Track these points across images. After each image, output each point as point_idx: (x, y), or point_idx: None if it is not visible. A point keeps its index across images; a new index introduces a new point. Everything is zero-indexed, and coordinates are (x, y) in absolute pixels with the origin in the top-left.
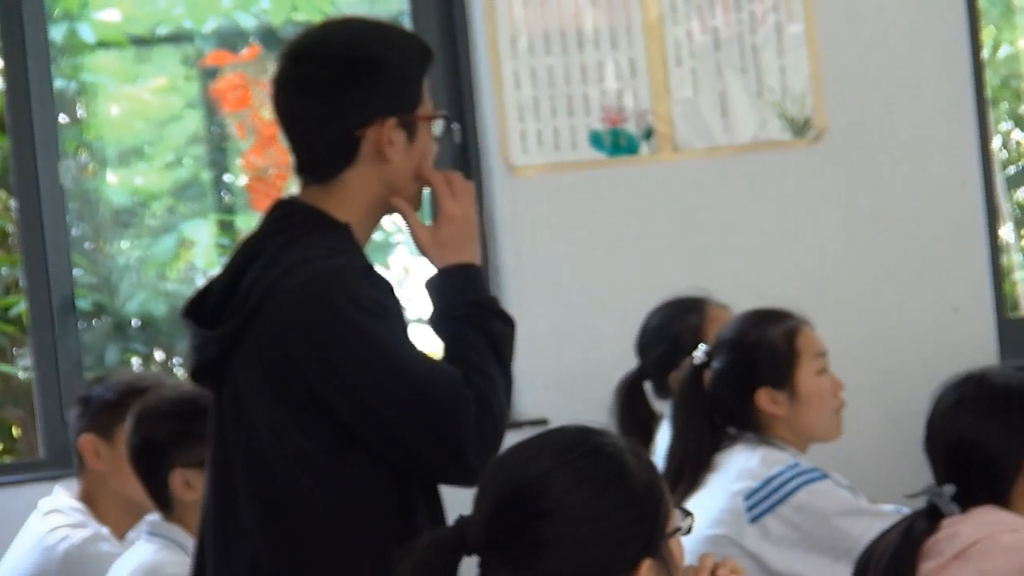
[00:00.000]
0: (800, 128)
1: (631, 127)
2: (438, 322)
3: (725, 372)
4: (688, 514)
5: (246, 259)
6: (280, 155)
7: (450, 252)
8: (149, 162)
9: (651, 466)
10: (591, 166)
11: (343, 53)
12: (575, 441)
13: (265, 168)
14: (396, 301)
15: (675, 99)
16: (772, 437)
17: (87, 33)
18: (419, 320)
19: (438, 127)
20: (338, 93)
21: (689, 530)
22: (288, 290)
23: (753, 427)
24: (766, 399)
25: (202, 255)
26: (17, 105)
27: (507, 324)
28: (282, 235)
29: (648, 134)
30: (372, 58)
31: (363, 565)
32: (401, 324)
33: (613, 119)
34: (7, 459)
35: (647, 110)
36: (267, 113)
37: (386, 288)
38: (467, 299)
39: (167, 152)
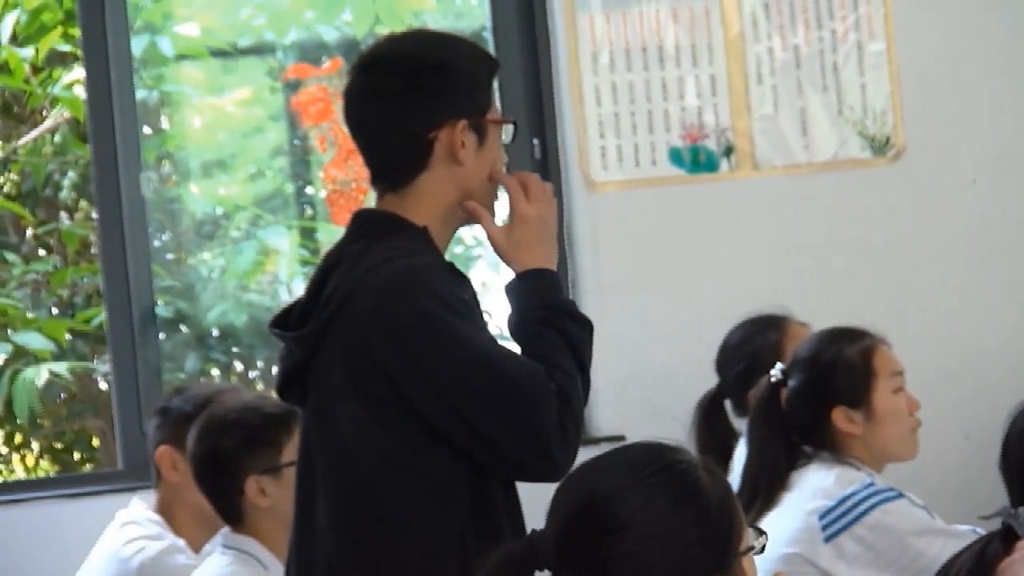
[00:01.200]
0: (880, 146)
1: (711, 144)
2: (516, 324)
3: (801, 390)
4: (761, 533)
5: (328, 269)
6: (361, 168)
7: (526, 253)
8: (232, 173)
9: (724, 483)
10: (671, 182)
11: (411, 60)
12: (648, 457)
13: (346, 181)
14: (476, 299)
15: (755, 116)
16: (848, 456)
17: (167, 46)
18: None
19: (508, 132)
20: (408, 97)
21: (763, 549)
22: (371, 287)
23: (829, 446)
24: (842, 418)
25: (285, 266)
26: (99, 116)
27: (585, 327)
28: (362, 241)
29: (728, 151)
30: (440, 62)
31: (442, 566)
32: (483, 320)
33: (693, 136)
34: (87, 469)
35: (727, 127)
36: None
37: (467, 286)
38: (544, 301)
39: (250, 164)
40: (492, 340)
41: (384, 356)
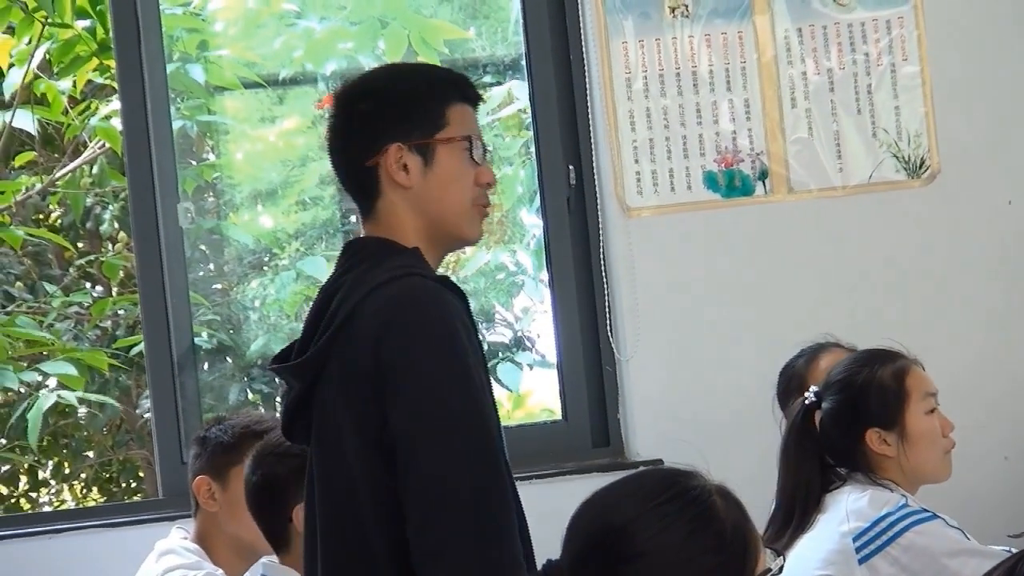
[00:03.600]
0: (915, 169)
1: (746, 168)
2: None
3: (835, 412)
4: (779, 555)
5: (327, 298)
6: None
7: None
8: (277, 204)
9: (739, 508)
10: (706, 207)
11: (349, 94)
12: (662, 485)
13: None
14: (473, 320)
15: (790, 140)
16: (882, 477)
17: (200, 74)
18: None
19: (477, 149)
20: (346, 129)
21: (780, 571)
22: (380, 299)
23: (863, 468)
24: (876, 440)
25: None
26: (136, 146)
27: None
28: (361, 266)
29: (763, 175)
30: (370, 91)
31: None
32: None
33: (728, 160)
34: (134, 499)
35: (762, 151)
36: None
37: (465, 303)
38: None
39: (295, 194)
40: (490, 416)
41: (384, 375)
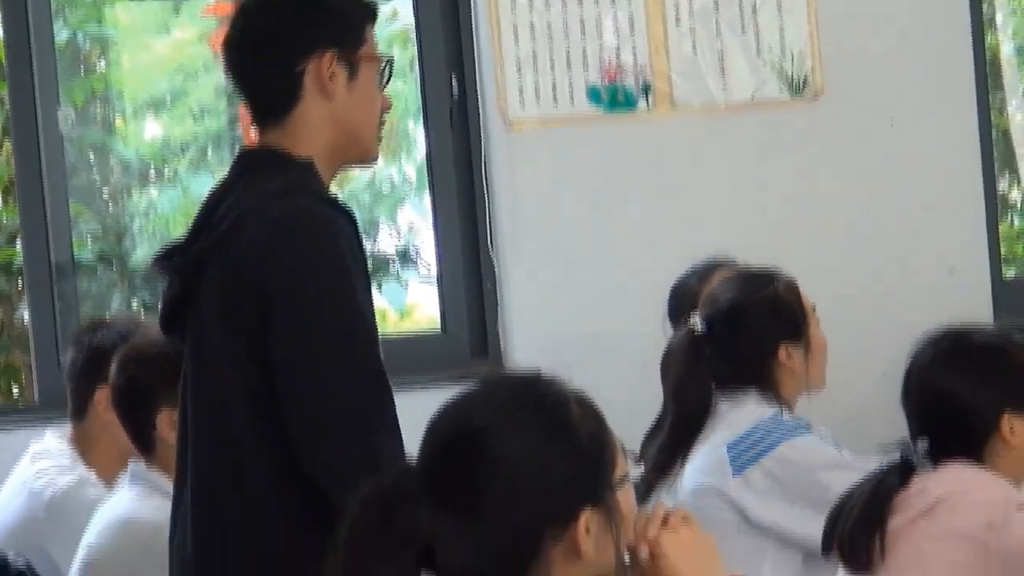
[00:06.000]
0: (798, 87)
1: (629, 83)
2: None
3: (741, 332)
4: (638, 461)
5: (212, 203)
6: None
7: None
8: (167, 114)
9: (596, 414)
10: (588, 121)
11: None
12: (518, 390)
13: None
14: (361, 241)
15: (674, 57)
16: (778, 390)
17: None
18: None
19: (383, 74)
20: (277, 32)
21: (641, 478)
22: (266, 218)
23: (760, 384)
24: (784, 354)
25: None
26: (16, 52)
27: None
28: (248, 175)
29: (646, 90)
30: None
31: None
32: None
33: (611, 74)
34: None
35: (645, 65)
36: None
37: (354, 224)
38: None
39: (185, 105)
40: (373, 337)
41: (268, 282)
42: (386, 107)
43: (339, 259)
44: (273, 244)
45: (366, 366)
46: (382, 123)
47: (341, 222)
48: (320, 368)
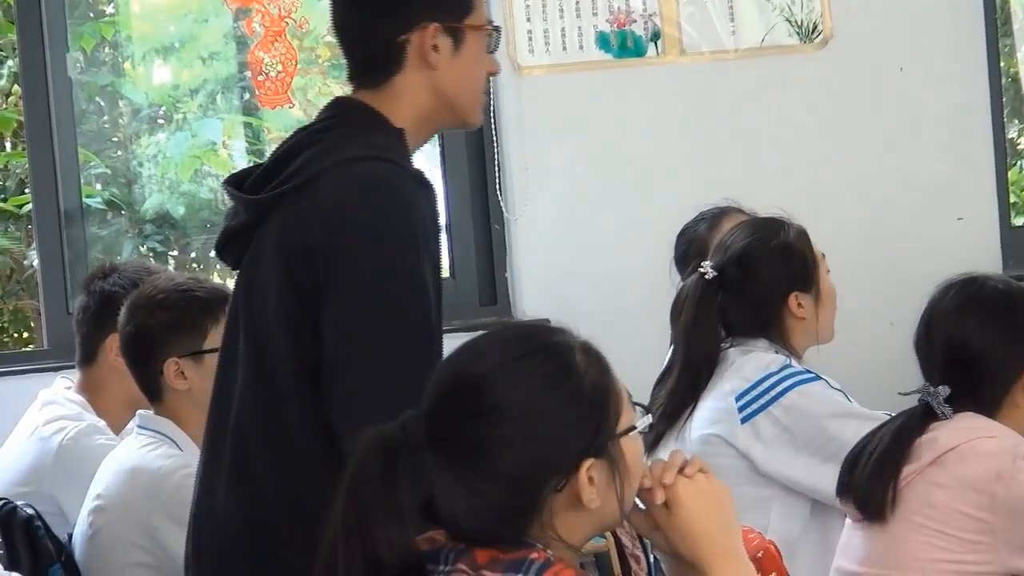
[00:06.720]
0: (807, 33)
1: (638, 29)
2: None
3: (752, 281)
4: (646, 412)
5: (298, 147)
6: (288, 51)
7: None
8: (176, 59)
9: (601, 364)
10: (597, 67)
11: None
12: (523, 338)
13: (273, 63)
14: (438, 217)
15: (683, 3)
16: (787, 339)
17: None
18: None
19: (493, 40)
20: (382, 1)
21: (651, 429)
22: (345, 178)
23: (771, 333)
24: (794, 303)
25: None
26: None
27: None
28: (339, 129)
29: (655, 36)
30: None
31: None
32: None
33: (620, 20)
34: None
35: (655, 12)
36: (275, 8)
37: (433, 199)
38: None
39: (194, 50)
40: (428, 308)
41: (326, 246)
42: (493, 72)
43: (408, 235)
44: (345, 211)
45: (410, 350)
46: (487, 88)
47: (419, 196)
48: (363, 345)
